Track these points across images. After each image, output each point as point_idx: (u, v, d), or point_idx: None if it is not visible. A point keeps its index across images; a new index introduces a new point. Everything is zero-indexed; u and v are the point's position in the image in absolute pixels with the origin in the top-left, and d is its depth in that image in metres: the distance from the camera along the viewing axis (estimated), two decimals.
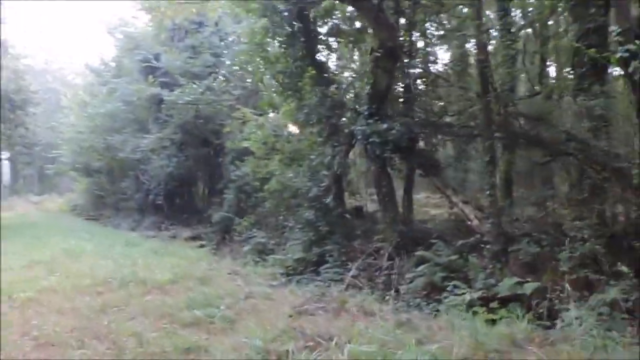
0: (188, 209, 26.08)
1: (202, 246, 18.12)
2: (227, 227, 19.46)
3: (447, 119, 12.66)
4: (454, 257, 10.11)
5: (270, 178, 16.37)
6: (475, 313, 8.59)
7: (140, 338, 6.54)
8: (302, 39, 14.38)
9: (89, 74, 35.86)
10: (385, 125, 11.52)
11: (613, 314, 7.20)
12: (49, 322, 7.42)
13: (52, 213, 37.39)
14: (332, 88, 14.09)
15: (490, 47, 12.04)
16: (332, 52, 15.52)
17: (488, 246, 9.94)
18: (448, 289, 9.72)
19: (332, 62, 15.46)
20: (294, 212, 15.24)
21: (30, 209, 38.09)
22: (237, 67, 21.43)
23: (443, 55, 16.12)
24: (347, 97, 14.38)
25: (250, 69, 20.28)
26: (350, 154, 14.70)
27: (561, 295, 8.22)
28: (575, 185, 9.69)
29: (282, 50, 14.89)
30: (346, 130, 13.69)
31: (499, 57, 11.27)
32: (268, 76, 15.99)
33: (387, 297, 10.10)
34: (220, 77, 21.41)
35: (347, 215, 14.13)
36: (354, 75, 15.38)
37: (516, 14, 13.53)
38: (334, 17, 14.97)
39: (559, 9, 12.00)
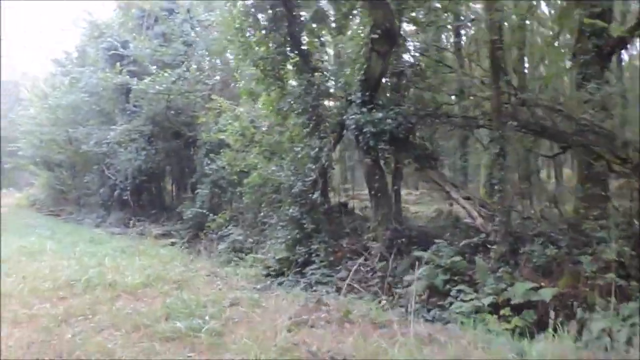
0: (156, 204, 24.79)
1: (173, 244, 16.93)
2: (200, 224, 18.29)
3: (446, 108, 11.76)
4: (457, 259, 9.23)
5: (249, 172, 15.35)
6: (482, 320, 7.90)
7: (111, 355, 5.49)
8: (285, 24, 13.40)
9: (50, 65, 34.15)
10: (380, 115, 10.63)
11: None
12: (2, 332, 6.29)
13: (11, 208, 35.44)
14: (317, 75, 13.14)
15: None
16: (316, 38, 14.48)
17: (494, 247, 9.11)
18: (452, 293, 8.91)
19: (316, 49, 14.38)
20: (275, 208, 14.21)
21: None
22: (211, 56, 20.29)
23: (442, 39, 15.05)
24: (336, 85, 13.35)
25: (227, 55, 19.21)
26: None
27: (584, 303, 7.42)
28: (593, 179, 8.89)
29: (263, 35, 13.84)
30: (332, 121, 12.77)
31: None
32: (247, 63, 14.84)
33: (382, 302, 9.24)
34: (193, 65, 20.13)
35: (335, 212, 13.15)
36: (340, 62, 14.34)
37: None
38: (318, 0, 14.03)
39: None
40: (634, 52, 14.16)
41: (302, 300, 7.75)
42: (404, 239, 11.03)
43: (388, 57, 11.03)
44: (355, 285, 10.54)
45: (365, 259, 11.26)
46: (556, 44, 12.06)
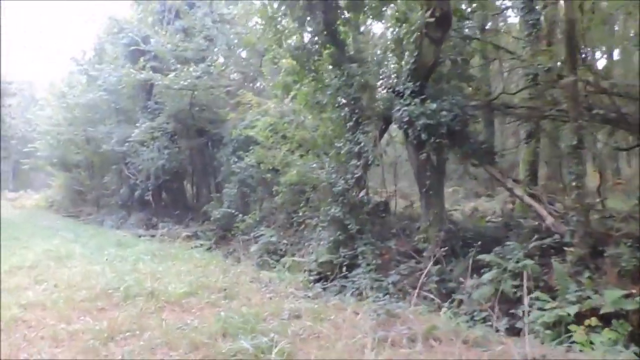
0: (179, 204, 24.07)
1: (201, 246, 16.20)
2: (228, 225, 17.56)
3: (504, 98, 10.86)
4: (527, 262, 8.37)
5: (279, 170, 14.61)
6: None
7: None
8: (321, 11, 12.62)
9: (68, 63, 33.50)
10: (434, 106, 9.80)
11: None
12: (43, 354, 5.59)
13: (29, 210, 35.04)
14: (355, 66, 12.36)
15: None
16: (353, 27, 13.67)
17: (572, 249, 8.26)
18: (525, 301, 8.07)
19: (355, 37, 13.59)
20: (312, 208, 13.45)
21: (6, 206, 35.61)
22: (236, 50, 19.53)
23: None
24: (379, 75, 12.53)
25: (252, 50, 18.45)
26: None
27: None
28: None
29: (298, 24, 13.08)
30: (376, 114, 11.97)
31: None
32: (280, 54, 14.08)
33: (443, 310, 8.43)
34: (220, 59, 19.39)
35: (379, 212, 12.34)
36: (379, 52, 13.52)
37: None
38: None
39: None
40: None
41: (371, 312, 6.92)
42: (459, 241, 10.25)
43: (441, 44, 10.21)
44: (404, 289, 9.83)
45: (417, 262, 10.46)
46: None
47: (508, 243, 9.09)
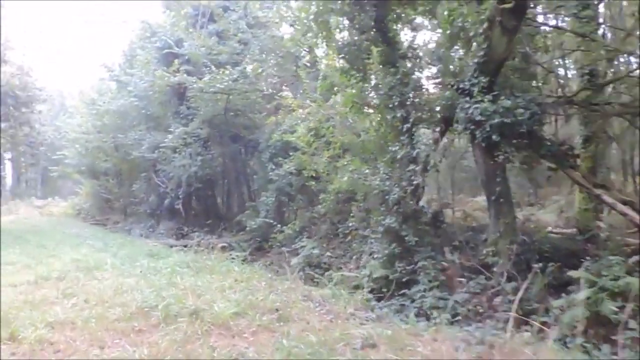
0: (211, 213, 23.18)
1: (237, 257, 15.19)
2: (265, 235, 16.60)
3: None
4: (632, 280, 7.19)
5: (319, 178, 13.59)
6: None
7: None
8: (371, 7, 11.69)
9: (98, 70, 33.16)
10: (509, 103, 8.69)
11: None
12: None
13: (57, 217, 34.46)
14: (405, 62, 11.37)
15: None
16: (404, 22, 12.69)
17: None
18: (630, 325, 6.89)
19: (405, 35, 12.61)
20: (360, 218, 12.40)
21: (34, 213, 35.20)
22: (272, 52, 18.61)
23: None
24: (440, 72, 11.48)
25: (292, 52, 17.52)
26: None
27: None
28: None
29: (347, 20, 12.15)
30: (434, 115, 10.91)
31: None
32: (326, 53, 13.14)
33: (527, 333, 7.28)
34: (255, 62, 18.51)
35: (438, 222, 11.21)
36: (433, 50, 12.46)
37: None
38: None
39: None
40: None
41: (451, 339, 5.82)
42: (535, 254, 9.11)
43: (515, 34, 9.11)
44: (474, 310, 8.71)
45: (487, 278, 9.31)
46: None
47: (603, 257, 7.89)
